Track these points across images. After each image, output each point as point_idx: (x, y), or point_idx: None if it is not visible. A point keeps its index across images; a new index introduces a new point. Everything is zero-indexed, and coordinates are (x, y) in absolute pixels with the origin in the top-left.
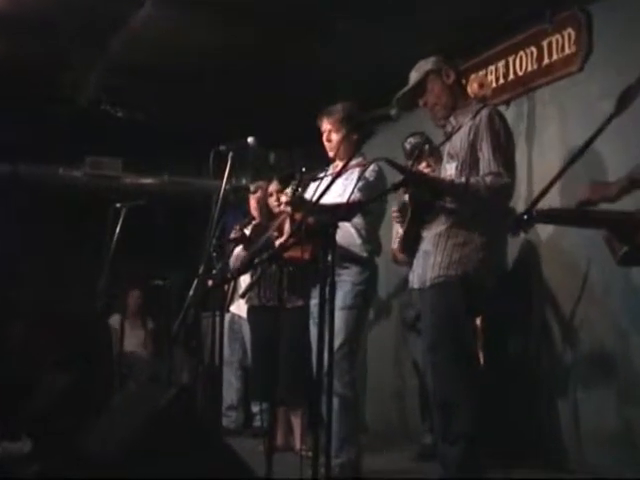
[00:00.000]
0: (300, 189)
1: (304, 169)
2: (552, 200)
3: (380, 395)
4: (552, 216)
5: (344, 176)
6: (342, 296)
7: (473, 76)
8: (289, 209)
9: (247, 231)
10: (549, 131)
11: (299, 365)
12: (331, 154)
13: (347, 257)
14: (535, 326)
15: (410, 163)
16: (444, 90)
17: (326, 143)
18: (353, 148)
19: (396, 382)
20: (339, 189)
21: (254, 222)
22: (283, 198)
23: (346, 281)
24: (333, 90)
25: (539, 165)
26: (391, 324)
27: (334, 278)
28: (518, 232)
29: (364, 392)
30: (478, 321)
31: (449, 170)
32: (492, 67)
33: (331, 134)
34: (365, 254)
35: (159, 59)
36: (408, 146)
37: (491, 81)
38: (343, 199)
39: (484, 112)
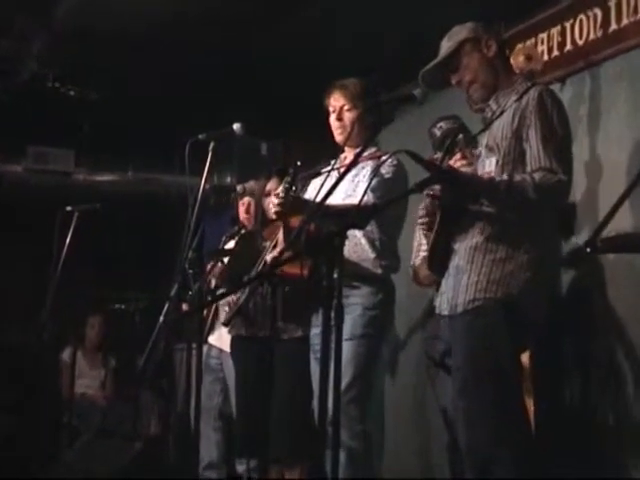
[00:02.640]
0: (295, 187)
1: (299, 162)
2: (621, 220)
3: (400, 451)
4: (622, 245)
5: (353, 171)
6: (350, 323)
7: (519, 46)
8: (282, 212)
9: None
10: (617, 117)
11: (297, 411)
12: (340, 138)
13: (357, 275)
14: (598, 366)
15: (439, 156)
16: (483, 65)
17: (335, 123)
18: (367, 134)
19: (420, 434)
20: (348, 187)
21: (243, 231)
22: (274, 199)
23: (356, 304)
24: (341, 64)
25: (604, 161)
26: (413, 360)
27: (341, 301)
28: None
29: (381, 446)
30: (525, 358)
31: (488, 166)
32: (543, 35)
33: (343, 112)
34: (380, 271)
35: (119, 25)
36: (438, 133)
37: (542, 53)
38: (353, 200)
39: (532, 92)
